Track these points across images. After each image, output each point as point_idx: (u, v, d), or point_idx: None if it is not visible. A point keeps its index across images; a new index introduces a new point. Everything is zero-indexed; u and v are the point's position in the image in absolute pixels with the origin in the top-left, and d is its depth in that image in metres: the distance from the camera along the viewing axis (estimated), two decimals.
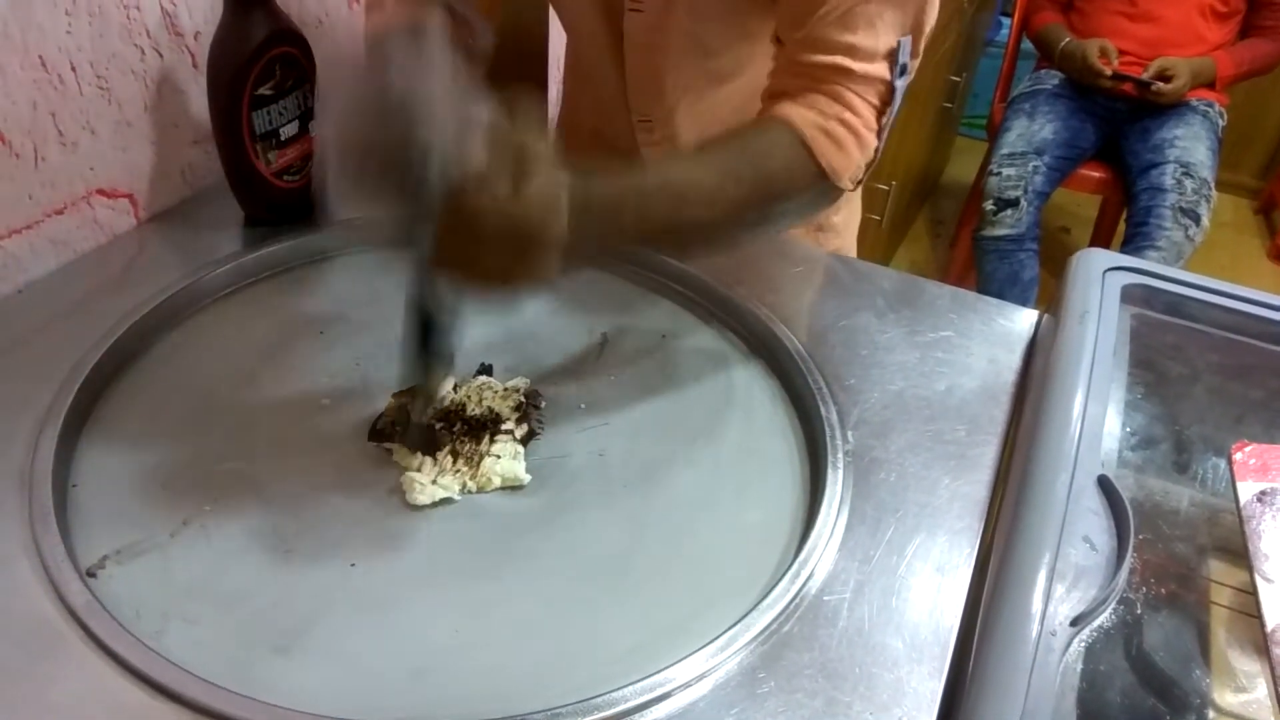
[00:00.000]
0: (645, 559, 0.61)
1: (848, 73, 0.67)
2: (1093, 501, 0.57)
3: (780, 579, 0.58)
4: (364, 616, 0.56)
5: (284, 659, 0.53)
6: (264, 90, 0.79)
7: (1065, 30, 2.14)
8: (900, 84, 0.69)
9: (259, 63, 0.77)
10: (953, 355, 0.77)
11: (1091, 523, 0.55)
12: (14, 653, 0.51)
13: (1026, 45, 2.31)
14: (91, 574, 0.56)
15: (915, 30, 0.68)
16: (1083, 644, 0.50)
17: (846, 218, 1.01)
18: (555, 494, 0.65)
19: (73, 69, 0.73)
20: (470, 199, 0.54)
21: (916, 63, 0.70)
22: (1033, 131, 2.08)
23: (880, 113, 0.69)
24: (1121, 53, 2.04)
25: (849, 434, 0.68)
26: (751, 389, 0.75)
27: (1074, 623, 0.50)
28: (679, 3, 0.80)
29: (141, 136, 0.81)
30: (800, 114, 0.67)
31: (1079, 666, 0.50)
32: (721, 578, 0.60)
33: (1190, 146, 1.99)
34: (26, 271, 0.75)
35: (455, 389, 0.69)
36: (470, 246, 0.55)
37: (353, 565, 0.59)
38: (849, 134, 0.68)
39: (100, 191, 0.79)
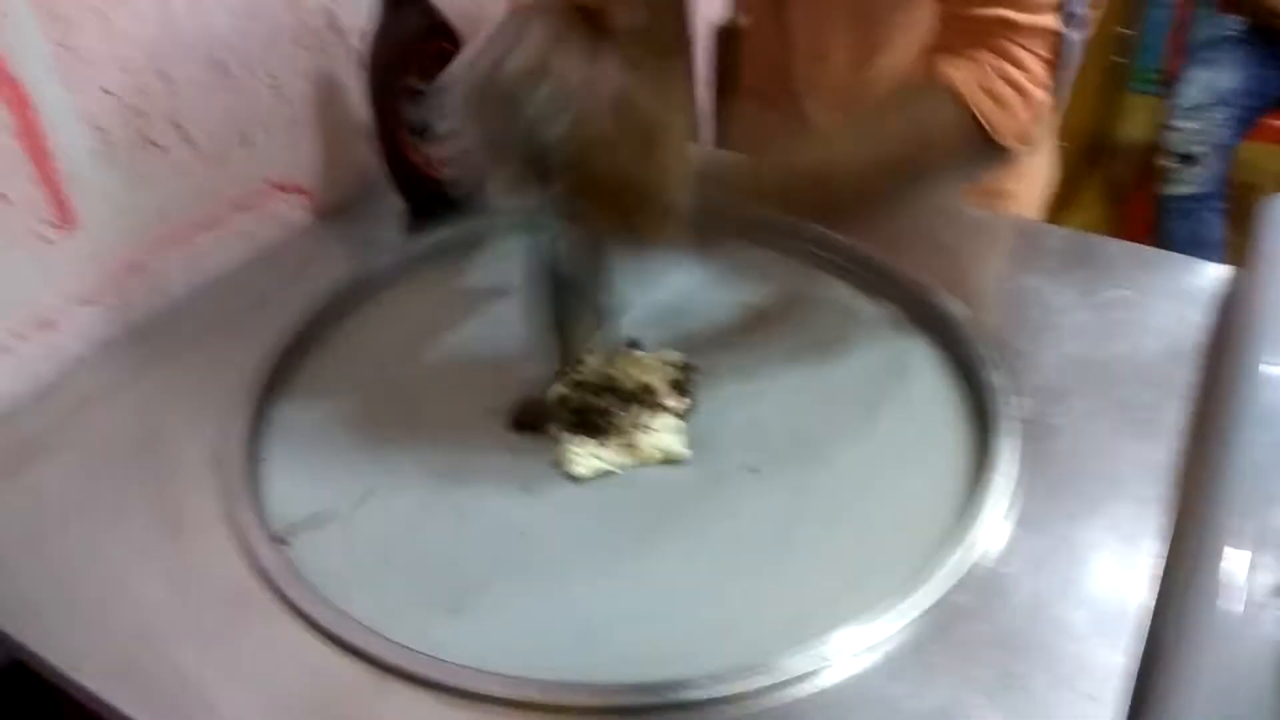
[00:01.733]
0: (806, 529, 0.60)
1: (1012, 25, 0.64)
2: None
3: (952, 549, 0.56)
4: (532, 581, 0.57)
5: (458, 620, 0.55)
6: (420, 85, 0.82)
7: None
8: (1075, 35, 0.65)
9: (415, 58, 0.80)
10: (1133, 315, 0.73)
11: None
12: (214, 616, 0.55)
13: None
14: (283, 541, 0.60)
15: None
16: None
17: (1028, 185, 0.95)
18: (713, 465, 0.64)
19: (249, 70, 0.78)
20: (593, 157, 0.57)
21: (1092, 15, 0.66)
22: (1215, 81, 1.93)
23: (1052, 67, 0.65)
24: None
25: (1020, 400, 0.65)
26: (910, 355, 0.72)
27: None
28: None
29: (312, 134, 0.86)
30: (961, 72, 0.65)
31: None
32: (886, 548, 0.58)
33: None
34: (218, 264, 0.81)
35: (608, 363, 0.70)
36: (595, 200, 0.58)
37: (521, 534, 0.60)
38: (1013, 92, 0.64)
39: (278, 187, 0.84)
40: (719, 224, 0.65)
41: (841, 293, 0.79)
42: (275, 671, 0.52)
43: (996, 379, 0.66)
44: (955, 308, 0.72)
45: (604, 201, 0.60)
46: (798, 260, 0.82)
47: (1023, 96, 0.65)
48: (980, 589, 0.54)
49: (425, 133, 0.83)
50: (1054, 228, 0.84)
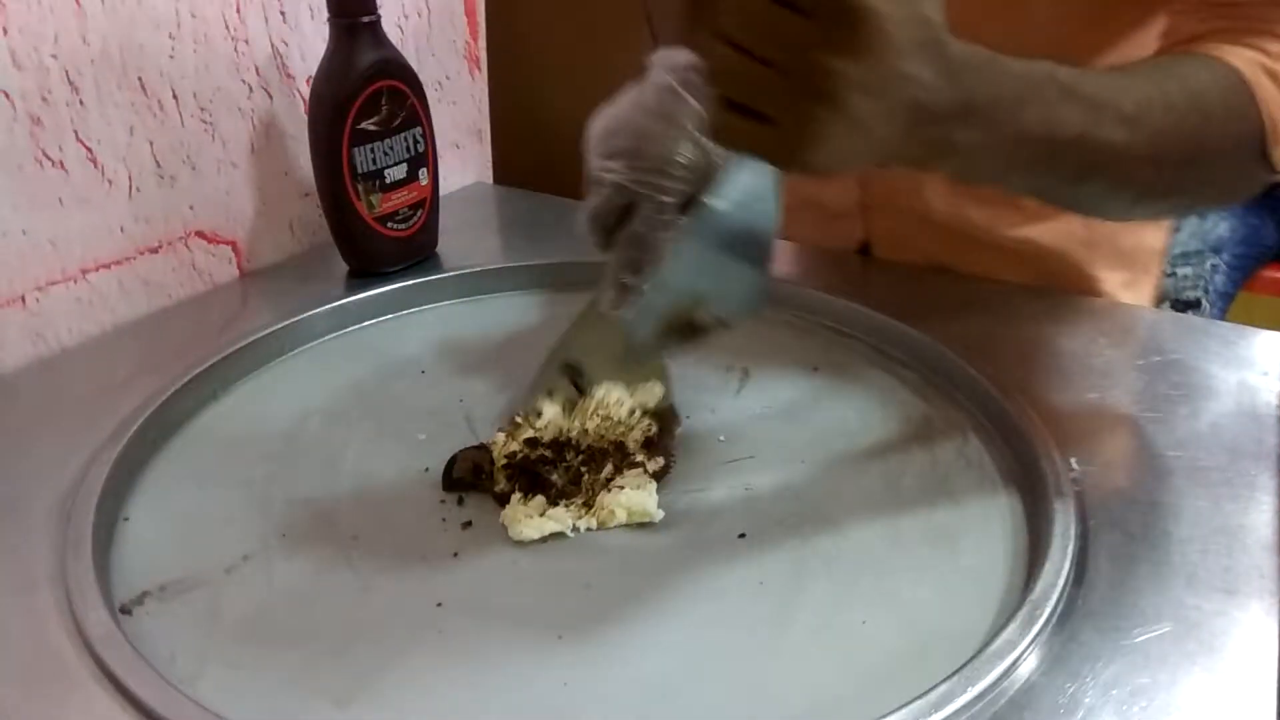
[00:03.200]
0: (814, 605, 0.46)
1: None
2: None
3: (1005, 625, 0.42)
4: (449, 667, 0.43)
5: (345, 713, 0.40)
6: (368, 125, 0.73)
7: None
8: None
9: (363, 92, 0.72)
10: (1190, 379, 0.62)
11: None
12: (15, 688, 0.41)
13: None
14: (126, 610, 0.46)
15: None
16: None
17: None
18: (694, 531, 0.51)
19: (174, 96, 0.69)
20: None
21: None
22: (1205, 229, 1.90)
23: None
24: None
25: (1071, 460, 0.53)
26: (931, 419, 0.60)
27: None
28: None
29: (247, 180, 0.76)
30: (1234, 50, 0.50)
31: None
32: (916, 632, 0.44)
33: None
34: (114, 312, 0.69)
35: (568, 414, 0.58)
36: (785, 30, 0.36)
37: (439, 605, 0.46)
38: None
39: (200, 234, 0.74)
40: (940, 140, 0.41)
41: (841, 355, 0.67)
42: None
43: (1037, 436, 0.54)
44: (976, 367, 0.61)
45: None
46: (788, 322, 0.71)
47: None
48: (1044, 675, 0.40)
49: (373, 179, 0.74)
50: (1082, 297, 0.73)
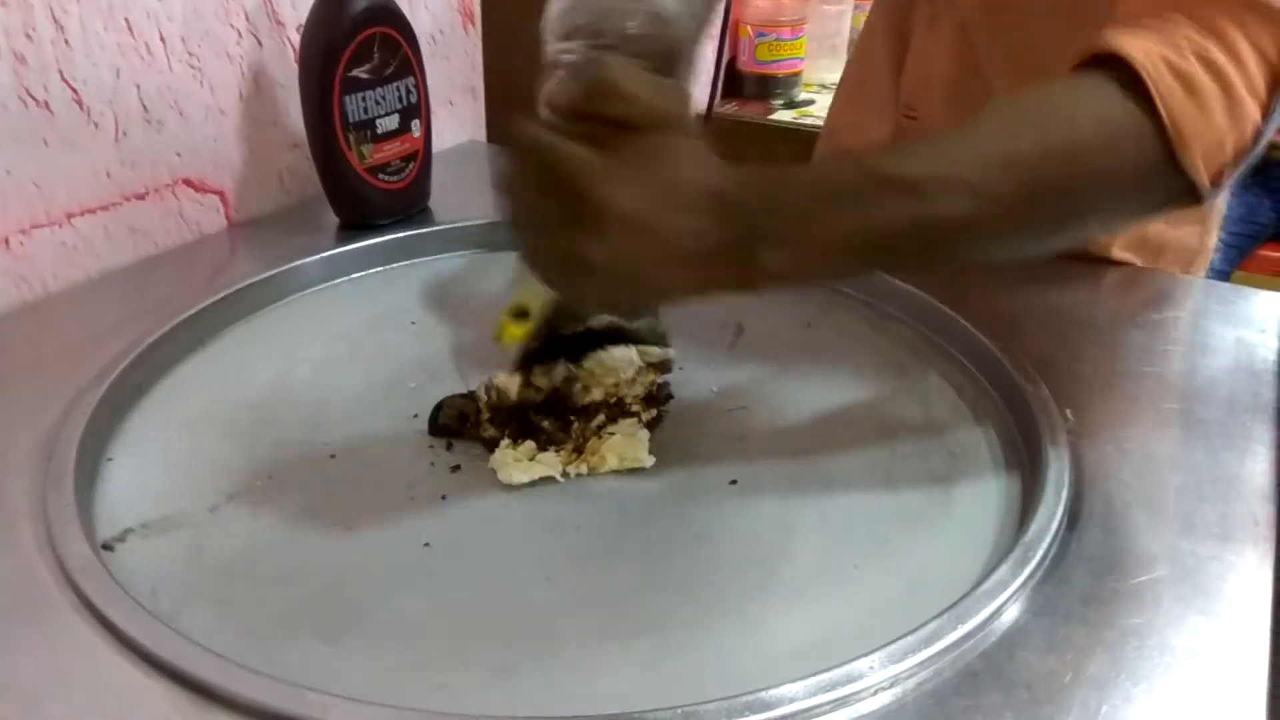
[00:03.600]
0: (806, 551, 0.46)
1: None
2: None
3: (989, 573, 0.41)
4: (438, 602, 0.43)
5: (331, 647, 0.40)
6: (359, 73, 0.72)
7: None
8: None
9: (355, 38, 0.71)
10: (1189, 335, 0.61)
11: None
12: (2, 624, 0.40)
13: None
14: (108, 547, 0.45)
15: None
16: None
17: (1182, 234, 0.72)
18: (686, 478, 0.51)
19: (161, 39, 0.68)
20: (553, 139, 0.40)
21: None
22: None
23: (1276, 78, 0.43)
24: None
25: (1066, 411, 0.53)
26: (925, 372, 0.60)
27: None
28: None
29: (235, 129, 0.75)
30: (1140, 43, 0.43)
31: None
32: (907, 576, 0.44)
33: None
34: (100, 258, 0.68)
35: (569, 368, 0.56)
36: (545, 210, 0.40)
37: (426, 545, 0.46)
38: (1215, 83, 0.42)
39: (187, 182, 0.73)
40: (758, 269, 0.41)
41: (836, 310, 0.67)
42: (66, 690, 0.37)
43: (1033, 388, 0.53)
44: (971, 321, 0.60)
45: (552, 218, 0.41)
46: None
47: (1226, 94, 0.42)
48: (1028, 622, 0.40)
49: (364, 129, 0.73)
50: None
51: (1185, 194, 0.43)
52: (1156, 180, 0.43)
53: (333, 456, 0.52)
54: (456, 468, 0.51)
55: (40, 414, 0.52)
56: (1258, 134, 0.43)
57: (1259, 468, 0.48)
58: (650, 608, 0.43)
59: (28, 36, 0.61)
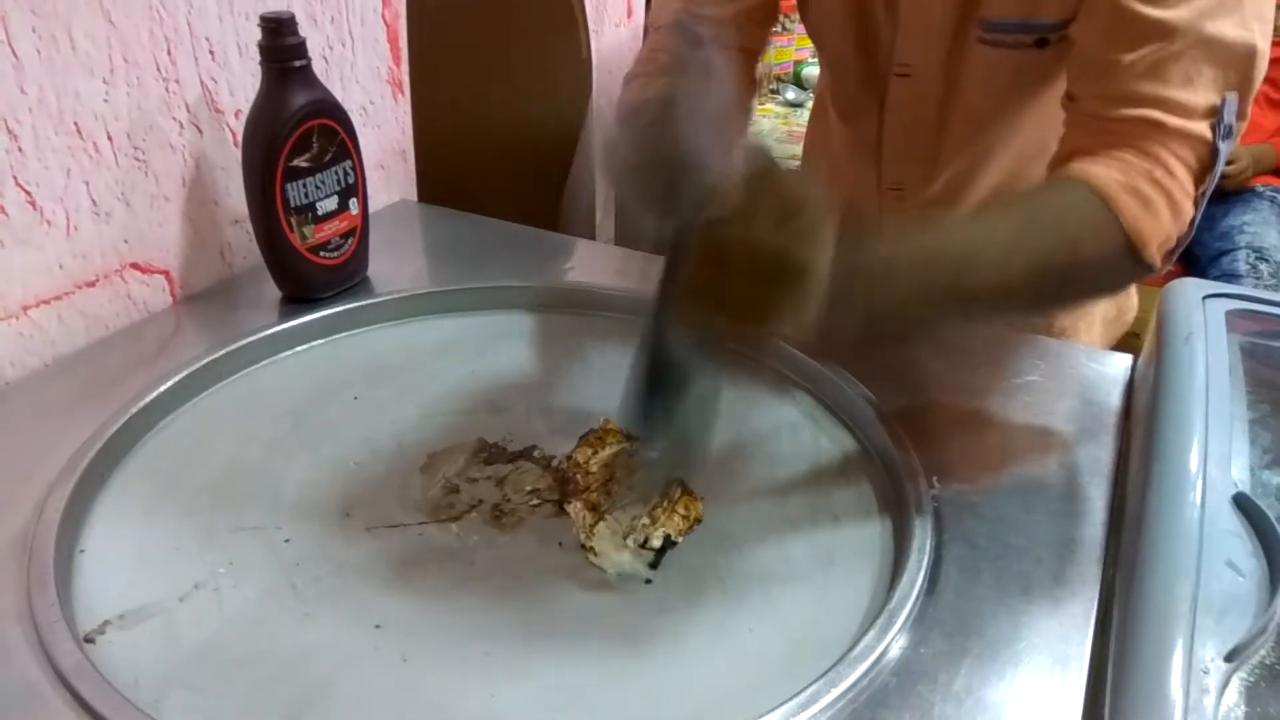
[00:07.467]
0: (709, 617, 0.53)
1: (1160, 127, 0.59)
2: (1231, 523, 0.48)
3: (865, 631, 0.49)
4: (387, 682, 0.49)
5: None
6: (300, 162, 0.77)
7: None
8: (1224, 147, 0.60)
9: (295, 132, 0.76)
10: (1041, 400, 0.70)
11: (1233, 545, 0.47)
12: None
13: None
14: (90, 640, 0.50)
15: (1243, 87, 0.59)
16: (1243, 682, 0.41)
17: (1089, 323, 0.90)
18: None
19: (109, 138, 0.72)
20: (727, 228, 0.47)
21: (1243, 125, 0.61)
22: None
23: (1199, 178, 0.60)
24: None
25: (933, 480, 0.61)
26: (817, 437, 0.68)
27: (1229, 657, 0.41)
28: (958, 71, 0.75)
29: (179, 212, 0.80)
30: (1100, 170, 0.58)
31: (1242, 710, 0.41)
32: (792, 637, 0.52)
33: (1260, 232, 1.92)
34: (54, 345, 0.72)
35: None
36: (721, 278, 0.48)
37: (377, 627, 0.52)
38: (1160, 195, 0.58)
39: (135, 266, 0.77)
40: (851, 314, 0.52)
41: (755, 379, 0.74)
42: None
43: (905, 458, 0.62)
44: (854, 387, 0.68)
45: (728, 284, 0.48)
46: None
47: (1170, 202, 0.58)
48: (902, 675, 0.48)
49: (305, 212, 0.79)
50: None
51: (1145, 270, 0.60)
52: (1126, 264, 0.59)
53: (287, 541, 0.58)
54: (399, 551, 0.57)
55: (11, 508, 0.57)
56: (1192, 222, 0.61)
57: (1093, 532, 0.57)
58: (574, 680, 0.49)
59: None
